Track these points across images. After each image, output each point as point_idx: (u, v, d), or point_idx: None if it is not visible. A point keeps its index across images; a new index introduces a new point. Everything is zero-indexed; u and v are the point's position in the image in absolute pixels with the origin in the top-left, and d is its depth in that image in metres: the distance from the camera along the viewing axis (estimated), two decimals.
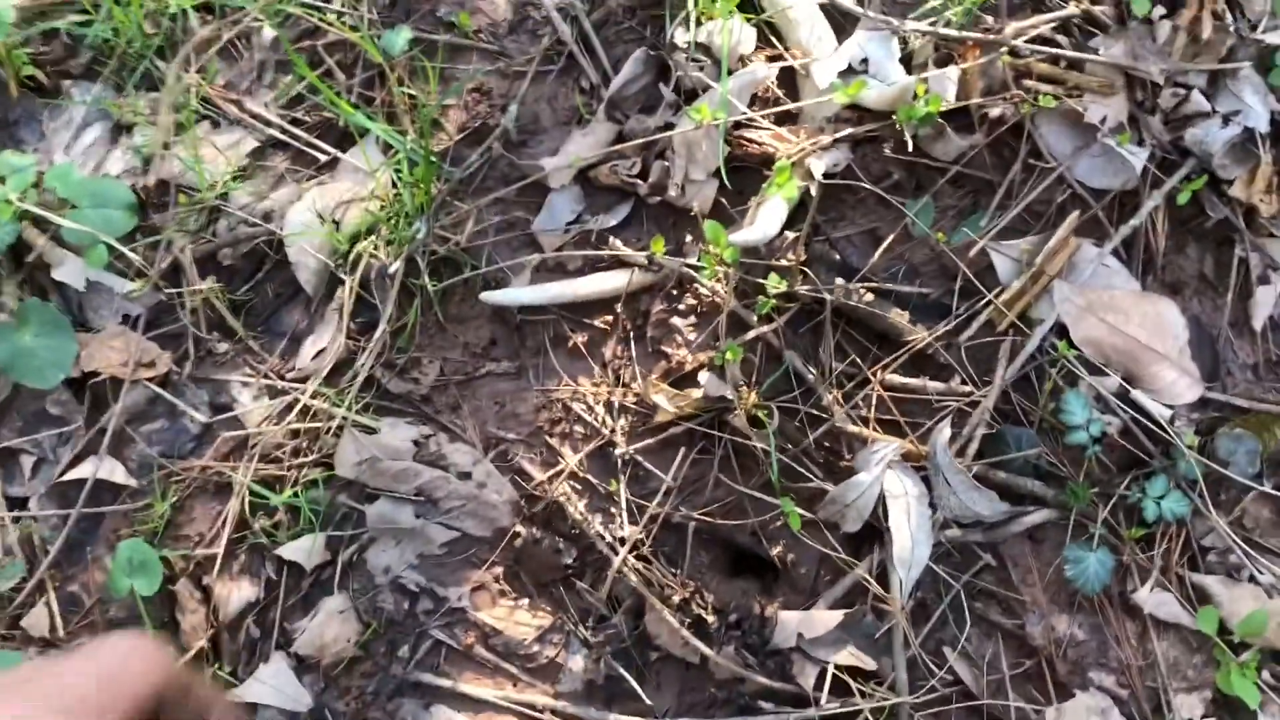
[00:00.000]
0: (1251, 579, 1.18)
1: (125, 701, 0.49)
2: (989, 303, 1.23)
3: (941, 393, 1.23)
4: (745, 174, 1.29)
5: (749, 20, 1.29)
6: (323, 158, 1.32)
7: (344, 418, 1.25)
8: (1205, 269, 1.26)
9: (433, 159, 1.24)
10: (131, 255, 1.26)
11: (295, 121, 1.33)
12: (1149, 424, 1.19)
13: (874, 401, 1.23)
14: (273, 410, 1.27)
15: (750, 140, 1.27)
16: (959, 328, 1.24)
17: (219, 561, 1.22)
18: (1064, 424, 1.19)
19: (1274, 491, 1.20)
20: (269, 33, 1.34)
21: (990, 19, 1.26)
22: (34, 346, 1.21)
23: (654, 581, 1.22)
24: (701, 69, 1.28)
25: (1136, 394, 1.20)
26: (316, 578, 1.25)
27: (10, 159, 1.27)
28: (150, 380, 1.27)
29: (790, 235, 1.25)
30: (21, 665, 0.53)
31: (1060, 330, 1.22)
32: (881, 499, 1.18)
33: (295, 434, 1.26)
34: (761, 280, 1.23)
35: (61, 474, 1.26)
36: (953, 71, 1.21)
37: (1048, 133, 1.24)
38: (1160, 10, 1.21)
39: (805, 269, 1.23)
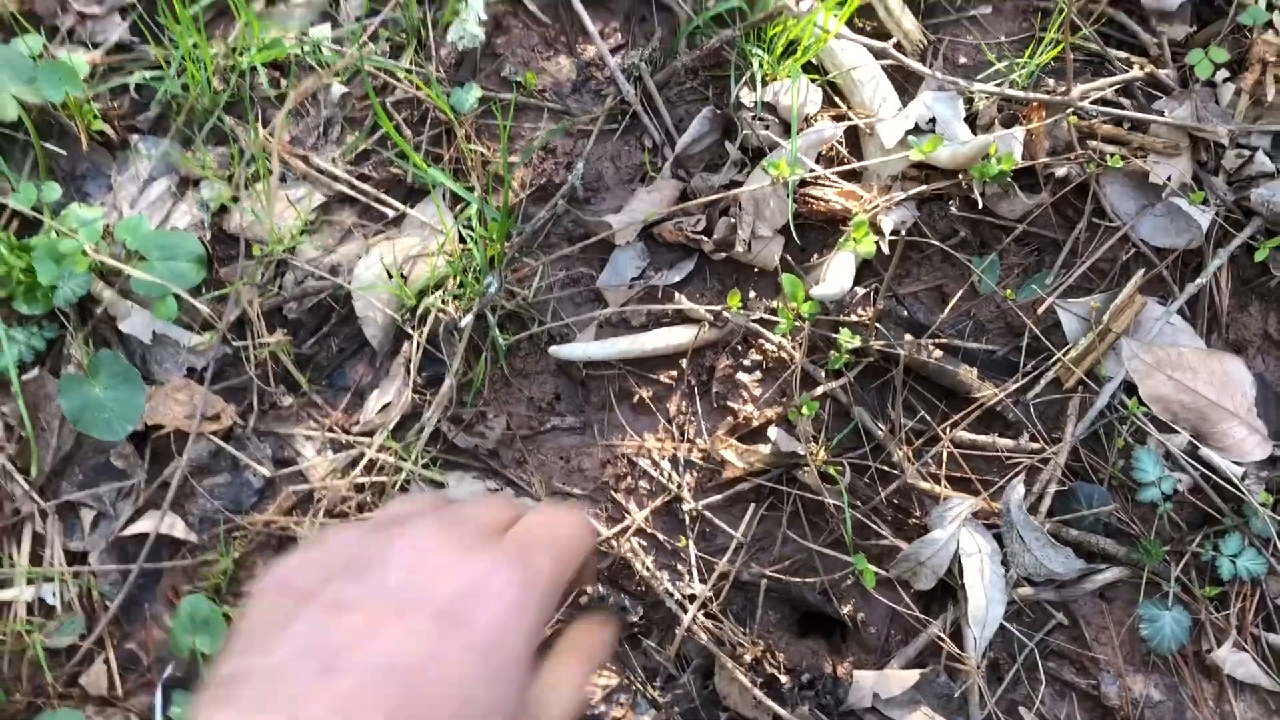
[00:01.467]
0: None
1: (580, 557, 0.58)
2: (1056, 360, 1.23)
3: (1011, 450, 1.23)
4: (810, 231, 1.30)
5: (814, 81, 1.31)
6: (390, 213, 1.33)
7: (410, 472, 1.24)
8: (1269, 327, 1.27)
9: (506, 212, 1.25)
10: (200, 307, 1.25)
11: (362, 177, 1.34)
12: (1220, 481, 1.19)
13: (944, 458, 1.22)
14: (338, 464, 1.26)
15: (816, 198, 1.28)
16: (1027, 385, 1.24)
17: None
18: (1135, 481, 1.19)
19: None
20: (338, 89, 1.35)
21: (1053, 81, 1.29)
22: (103, 399, 1.20)
23: (724, 640, 1.20)
24: (767, 128, 1.30)
25: (1206, 451, 1.20)
26: None
27: (79, 211, 1.27)
28: (214, 434, 1.26)
29: (861, 291, 1.25)
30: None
31: (1129, 387, 1.22)
32: (955, 557, 1.17)
33: (360, 488, 1.25)
34: (831, 334, 1.23)
35: (122, 529, 1.25)
36: (1019, 132, 1.23)
37: (1112, 192, 1.26)
38: (1223, 74, 1.24)
39: (877, 325, 1.24)
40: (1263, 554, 1.18)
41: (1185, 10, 1.31)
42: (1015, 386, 1.24)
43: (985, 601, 1.16)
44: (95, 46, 1.36)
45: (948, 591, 1.21)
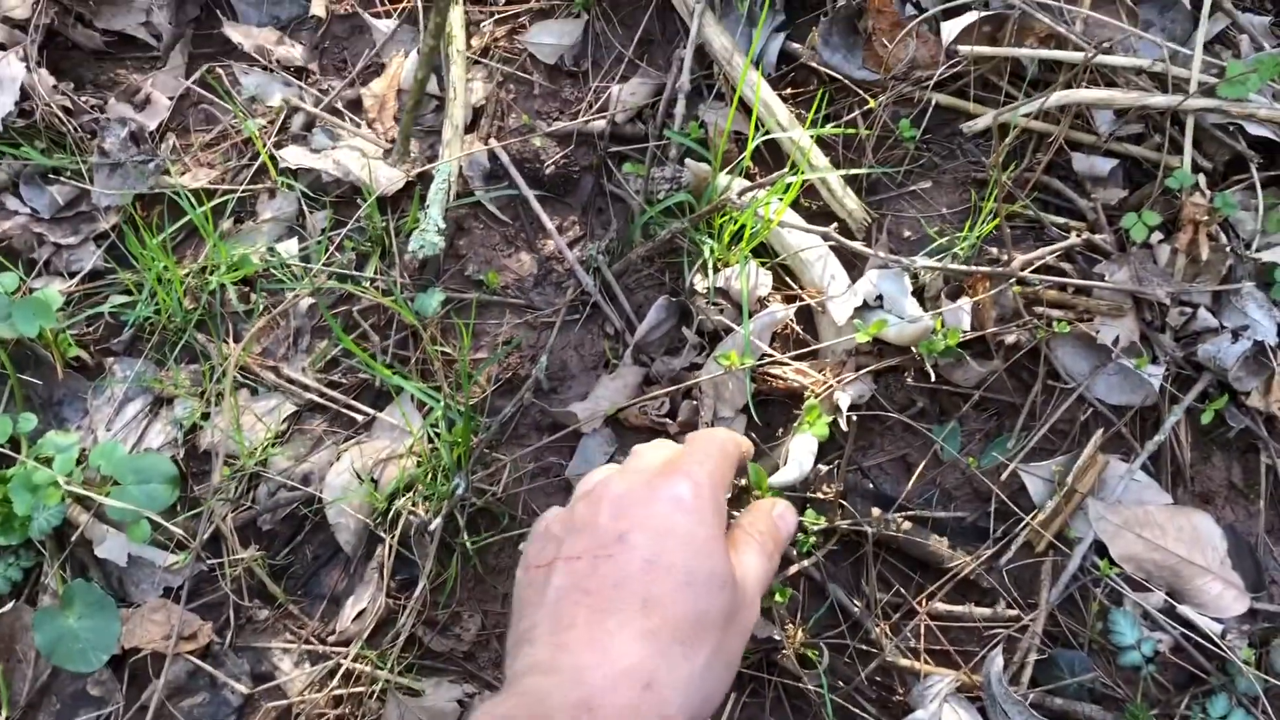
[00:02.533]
0: None
1: (734, 459, 0.85)
2: (1025, 525, 1.24)
3: (988, 619, 1.22)
4: (772, 407, 1.32)
5: (764, 264, 1.35)
6: (360, 418, 1.35)
7: (386, 680, 1.23)
8: (1234, 478, 1.28)
9: (470, 414, 1.27)
10: (173, 529, 1.27)
11: (332, 384, 1.37)
12: (1201, 639, 1.18)
13: (922, 632, 1.22)
14: (315, 676, 1.25)
15: (775, 376, 1.31)
16: (998, 551, 1.24)
17: None
18: (1115, 645, 1.18)
19: None
20: (305, 300, 1.39)
21: (995, 250, 1.32)
22: (77, 629, 1.21)
23: None
24: (722, 312, 1.33)
25: (1184, 609, 1.19)
26: None
27: (55, 439, 1.30)
28: (191, 653, 1.26)
29: (824, 468, 1.27)
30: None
31: (1100, 548, 1.22)
32: None
33: (339, 700, 1.24)
34: (800, 516, 1.24)
35: None
36: (966, 303, 1.26)
37: (1064, 355, 1.28)
38: (1158, 235, 1.27)
39: (843, 501, 1.25)
40: (1251, 713, 1.16)
41: (1117, 175, 1.35)
42: (987, 554, 1.24)
43: None
44: (71, 275, 1.41)
45: None
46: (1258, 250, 1.25)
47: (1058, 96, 1.31)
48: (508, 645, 0.73)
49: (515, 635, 0.73)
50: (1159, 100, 1.27)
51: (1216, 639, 1.17)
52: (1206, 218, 1.23)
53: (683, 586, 0.70)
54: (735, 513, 0.92)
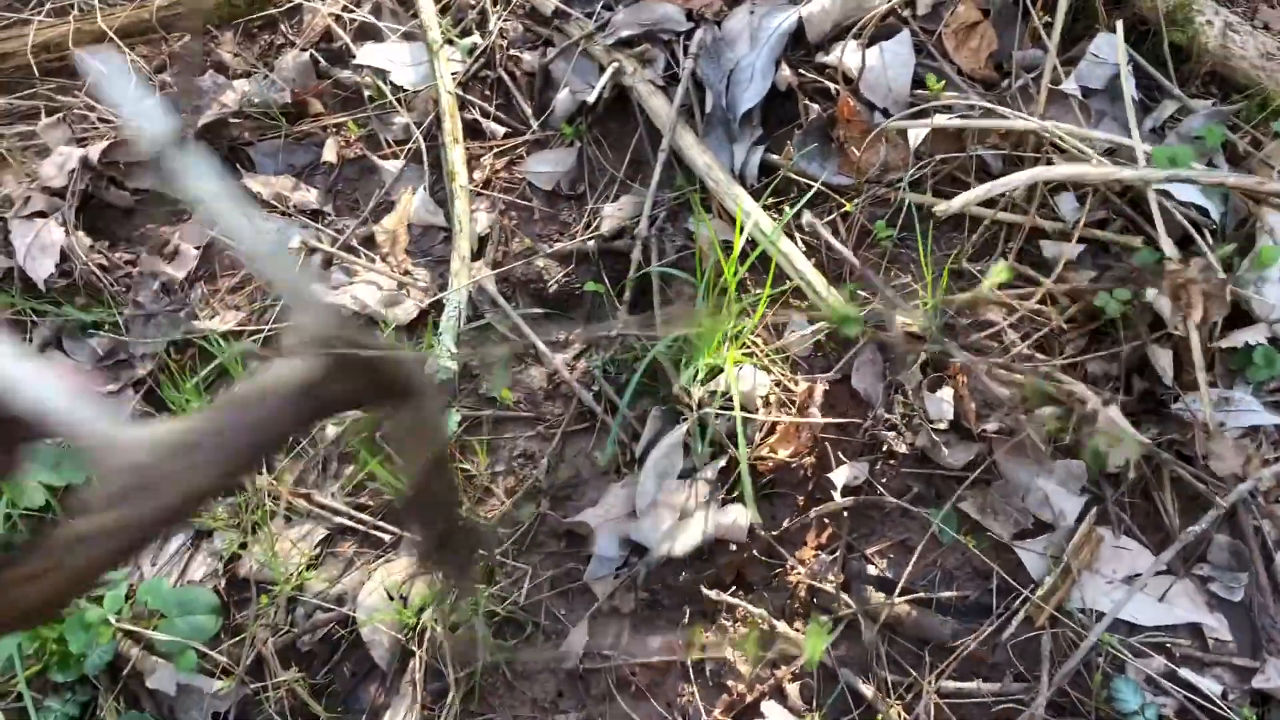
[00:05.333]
0: None
1: None
2: (1025, 601, 1.29)
3: (995, 694, 1.27)
4: (776, 501, 1.40)
5: (759, 366, 1.44)
6: (387, 538, 1.43)
7: None
8: (1222, 535, 1.32)
9: (484, 525, 1.36)
10: (218, 656, 1.35)
11: (360, 507, 1.46)
12: (1203, 701, 1.22)
13: (933, 711, 1.27)
14: None
15: (764, 457, 1.38)
16: (1000, 627, 1.29)
17: None
18: (1120, 711, 1.23)
19: None
20: (331, 429, 1.49)
21: (974, 330, 1.40)
22: None
23: None
24: (716, 417, 1.41)
25: (1185, 673, 1.24)
26: None
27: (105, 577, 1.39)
28: None
29: (828, 557, 1.33)
30: None
31: (1098, 615, 1.27)
32: None
33: None
34: (808, 597, 1.30)
35: None
36: (947, 393, 1.34)
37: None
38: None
39: (844, 591, 1.31)
40: None
41: (1085, 259, 1.43)
42: (989, 630, 1.29)
43: None
44: None
45: None
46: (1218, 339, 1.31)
47: (1032, 173, 1.38)
48: None
49: None
50: (1127, 174, 1.34)
51: (1218, 700, 1.21)
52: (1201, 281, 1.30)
53: None
54: None
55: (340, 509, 1.45)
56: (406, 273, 1.60)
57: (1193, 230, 1.32)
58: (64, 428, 0.59)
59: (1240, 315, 1.32)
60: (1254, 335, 1.26)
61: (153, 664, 1.36)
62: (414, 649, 1.36)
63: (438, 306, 1.56)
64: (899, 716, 1.26)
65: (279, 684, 1.35)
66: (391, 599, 1.38)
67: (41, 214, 1.61)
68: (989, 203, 1.45)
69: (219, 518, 1.45)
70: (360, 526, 1.45)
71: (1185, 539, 1.29)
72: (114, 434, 0.58)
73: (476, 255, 1.60)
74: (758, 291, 1.45)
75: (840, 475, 1.37)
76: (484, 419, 1.49)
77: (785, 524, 1.39)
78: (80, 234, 1.61)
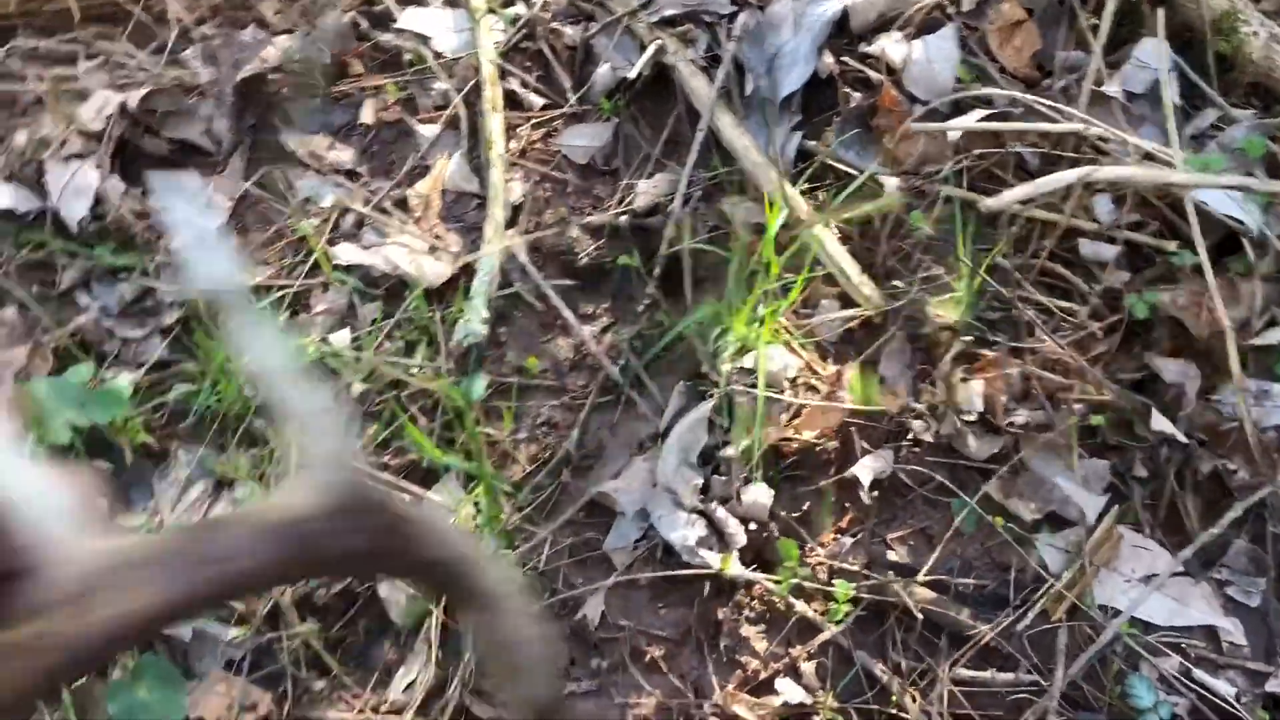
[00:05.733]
0: None
1: None
2: (1043, 594, 1.30)
3: (1009, 684, 1.28)
4: (796, 481, 1.40)
5: (788, 344, 1.44)
6: (408, 497, 1.44)
7: None
8: (1242, 539, 1.33)
9: (506, 489, 1.36)
10: (234, 602, 1.35)
11: (382, 466, 1.46)
12: (1217, 701, 1.23)
13: (946, 698, 1.27)
14: None
15: (789, 439, 1.39)
16: (1017, 619, 1.30)
17: None
18: (1133, 708, 1.23)
19: None
20: (358, 387, 1.49)
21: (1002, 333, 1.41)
22: (147, 701, 1.28)
23: None
24: (742, 395, 1.41)
25: (1199, 673, 1.25)
26: None
27: (123, 522, 1.39)
28: None
29: (850, 541, 1.34)
30: None
31: (1116, 613, 1.28)
32: None
33: None
34: (828, 579, 1.31)
35: None
36: (978, 384, 1.34)
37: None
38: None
39: (868, 571, 1.32)
40: None
41: (1121, 260, 1.43)
42: (1006, 621, 1.30)
43: None
44: (138, 366, 1.51)
45: None
46: (1256, 334, 1.32)
47: (1080, 173, 1.38)
48: None
49: None
50: (1177, 177, 1.34)
51: (1232, 701, 1.22)
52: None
53: None
54: None
55: (362, 468, 1.45)
56: (438, 237, 1.60)
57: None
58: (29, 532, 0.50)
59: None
60: None
61: None
62: (431, 607, 1.37)
63: (467, 272, 1.56)
64: (913, 701, 1.27)
65: (294, 635, 1.35)
66: None
67: (78, 156, 1.61)
68: (1025, 200, 1.46)
69: (241, 468, 1.45)
70: (382, 485, 1.45)
71: (1204, 539, 1.30)
72: (71, 542, 0.50)
73: (509, 224, 1.60)
74: (789, 276, 1.46)
75: (865, 465, 1.38)
76: (511, 385, 1.49)
77: (806, 506, 1.40)
78: (115, 178, 1.61)
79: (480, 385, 1.46)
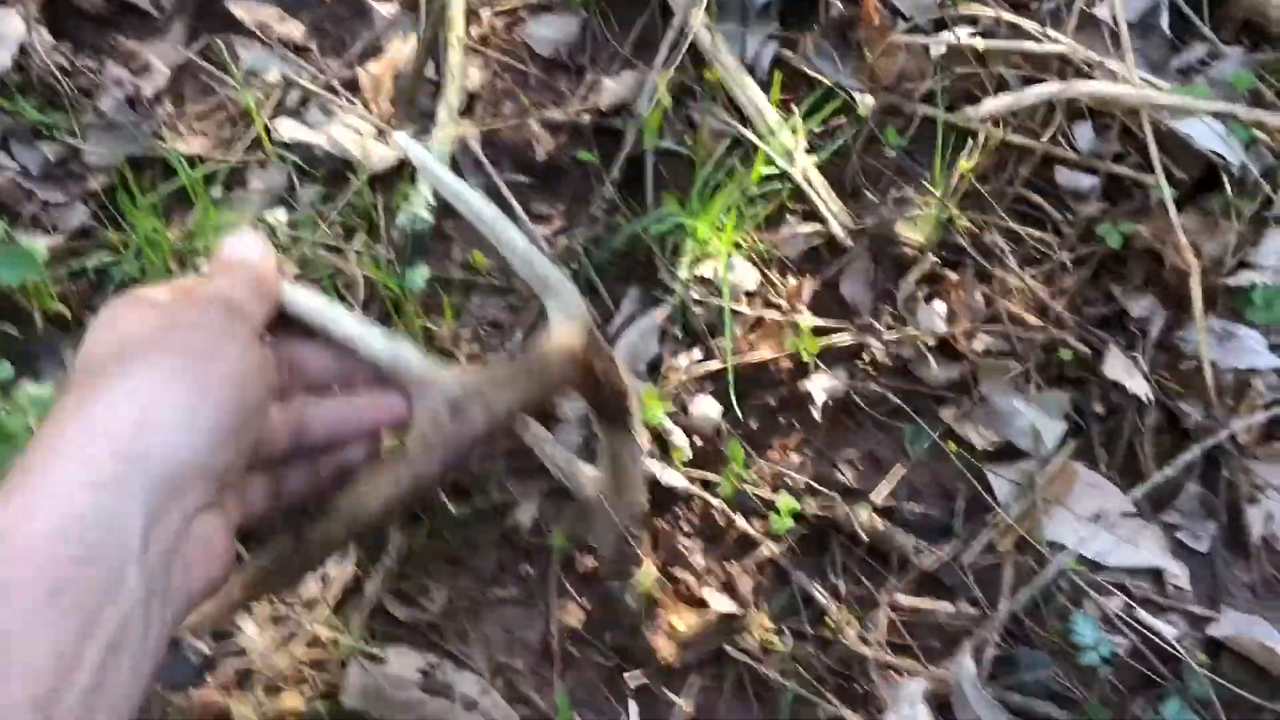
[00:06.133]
0: None
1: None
2: (991, 525, 1.26)
3: (950, 614, 1.24)
4: (747, 398, 1.35)
5: (749, 258, 1.38)
6: None
7: (350, 646, 1.23)
8: (1193, 484, 1.30)
9: None
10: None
11: None
12: (1159, 642, 1.20)
13: (884, 624, 1.23)
14: (278, 639, 1.25)
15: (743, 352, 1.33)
16: (963, 549, 1.26)
17: None
18: (1074, 645, 1.20)
19: None
20: (292, 271, 1.40)
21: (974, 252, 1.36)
22: None
23: None
24: (698, 303, 1.35)
25: (1143, 614, 1.22)
26: None
27: (31, 391, 1.30)
28: None
29: (797, 459, 1.29)
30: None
31: (1064, 550, 1.25)
32: None
33: (300, 664, 1.24)
34: (770, 496, 1.26)
35: None
36: (940, 306, 1.29)
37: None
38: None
39: (813, 484, 1.27)
40: (1203, 717, 1.18)
41: (1096, 191, 1.39)
42: (951, 551, 1.26)
43: None
44: (56, 231, 1.41)
45: None
46: (1227, 274, 1.28)
47: (1064, 86, 1.32)
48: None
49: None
50: (1165, 99, 1.29)
51: (1173, 642, 1.19)
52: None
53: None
54: None
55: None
56: (388, 121, 1.51)
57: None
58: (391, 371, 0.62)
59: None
60: (1260, 276, 1.23)
61: None
62: None
63: None
64: (849, 625, 1.23)
65: None
66: None
67: (2, 3, 1.50)
68: (1001, 123, 1.40)
69: None
70: None
71: (1157, 480, 1.27)
72: (433, 372, 0.61)
73: (464, 113, 1.52)
74: (756, 188, 1.39)
75: (819, 384, 1.32)
76: (454, 281, 1.42)
77: (755, 424, 1.35)
78: (43, 30, 1.50)
79: (421, 276, 1.38)
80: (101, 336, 0.57)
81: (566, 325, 0.66)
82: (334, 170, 1.48)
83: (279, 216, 1.44)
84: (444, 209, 1.45)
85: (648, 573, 1.25)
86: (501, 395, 0.62)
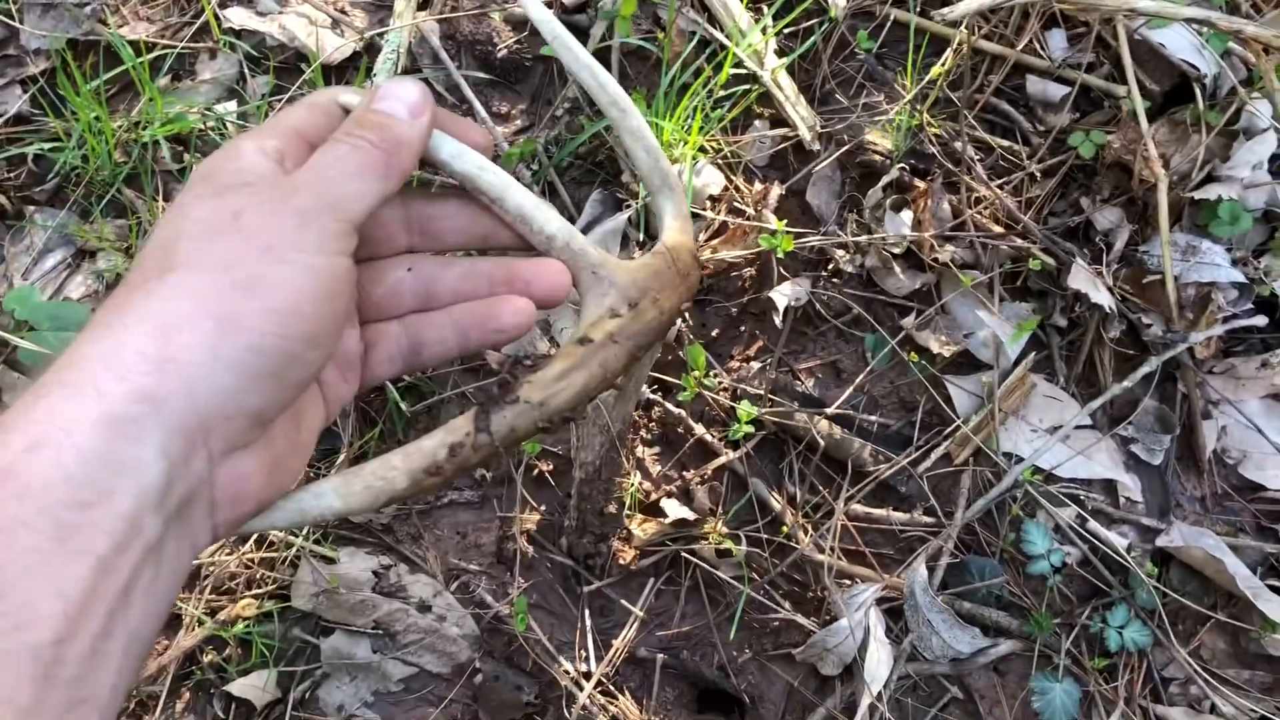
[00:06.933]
0: (1213, 709, 1.19)
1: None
2: (948, 436, 1.26)
3: (905, 523, 1.24)
4: (708, 305, 1.33)
5: (714, 161, 1.35)
6: None
7: (301, 547, 1.21)
8: (1150, 400, 1.30)
9: None
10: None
11: None
12: (1108, 552, 1.21)
13: (838, 531, 1.23)
14: (227, 540, 1.23)
15: (707, 261, 1.31)
16: (919, 459, 1.26)
17: (161, 700, 1.17)
18: (1025, 554, 1.21)
19: (1230, 621, 1.21)
20: None
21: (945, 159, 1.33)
22: None
23: (619, 718, 1.18)
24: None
25: (1093, 525, 1.23)
26: (266, 717, 1.19)
27: None
28: None
29: (757, 365, 1.27)
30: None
31: (1020, 461, 1.25)
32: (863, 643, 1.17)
33: (251, 564, 1.22)
34: (730, 405, 1.25)
35: None
36: (906, 215, 1.27)
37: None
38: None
39: (773, 397, 1.26)
40: (1148, 625, 1.20)
41: (1066, 101, 1.36)
42: (907, 460, 1.25)
43: (881, 674, 1.16)
44: None
45: (844, 668, 1.21)
46: (1194, 188, 1.27)
47: None
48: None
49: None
50: (1143, 4, 1.25)
51: (1122, 553, 1.21)
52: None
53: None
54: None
55: None
56: (343, 10, 1.45)
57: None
58: (563, 253, 0.60)
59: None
60: (1227, 190, 1.22)
61: (13, 379, 1.24)
62: None
63: (371, 51, 1.42)
64: (805, 533, 1.23)
65: None
66: None
67: None
68: (973, 28, 1.37)
69: (105, 238, 1.31)
70: None
71: (1115, 392, 1.27)
72: (611, 264, 0.61)
73: (423, 4, 1.46)
74: (723, 91, 1.36)
75: (782, 291, 1.30)
76: (409, 181, 1.37)
77: (716, 332, 1.33)
78: None
79: None
80: (168, 222, 0.51)
81: (685, 224, 0.65)
82: (286, 61, 1.42)
83: (229, 108, 1.39)
84: None
85: (631, 481, 1.24)
86: (668, 296, 0.61)
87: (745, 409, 1.22)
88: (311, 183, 0.52)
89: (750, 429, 1.25)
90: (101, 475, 0.43)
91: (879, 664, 1.15)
